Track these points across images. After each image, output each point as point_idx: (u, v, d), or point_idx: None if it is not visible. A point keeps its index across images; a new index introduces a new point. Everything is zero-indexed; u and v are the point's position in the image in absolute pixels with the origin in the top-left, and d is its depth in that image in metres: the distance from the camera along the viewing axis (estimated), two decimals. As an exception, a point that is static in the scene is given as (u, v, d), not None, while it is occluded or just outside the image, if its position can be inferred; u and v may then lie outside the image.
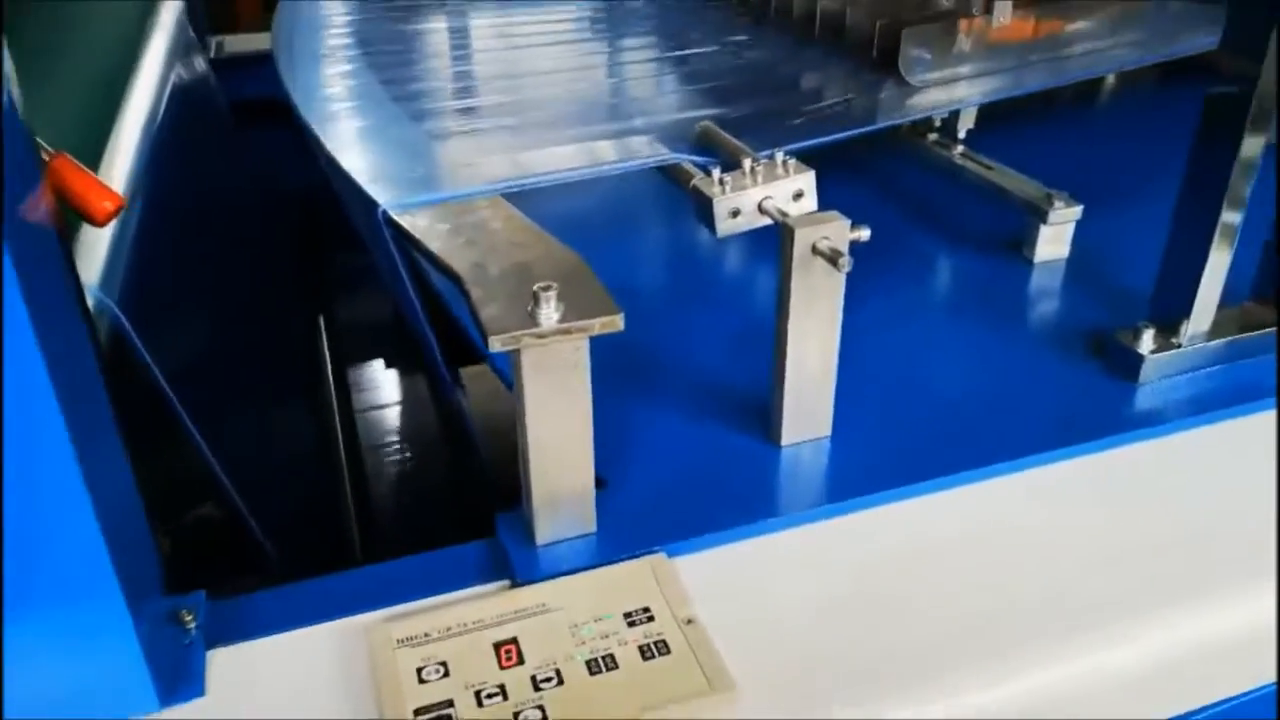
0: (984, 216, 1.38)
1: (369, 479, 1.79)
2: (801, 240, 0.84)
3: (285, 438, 1.59)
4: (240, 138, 2.13)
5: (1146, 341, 1.03)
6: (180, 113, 1.58)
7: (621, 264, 1.34)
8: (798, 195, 0.97)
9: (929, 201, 1.49)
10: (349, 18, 1.72)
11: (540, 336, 0.72)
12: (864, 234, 0.87)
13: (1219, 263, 1.01)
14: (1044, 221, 1.27)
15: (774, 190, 0.96)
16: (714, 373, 1.08)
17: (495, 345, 0.71)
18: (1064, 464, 0.95)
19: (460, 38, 1.71)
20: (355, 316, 2.29)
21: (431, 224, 0.92)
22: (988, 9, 1.33)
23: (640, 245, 1.38)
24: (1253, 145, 0.95)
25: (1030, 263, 1.30)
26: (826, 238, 0.85)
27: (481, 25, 1.82)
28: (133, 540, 0.67)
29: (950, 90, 1.35)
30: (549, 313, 0.73)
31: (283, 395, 1.69)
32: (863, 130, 1.23)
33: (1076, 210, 1.27)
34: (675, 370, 1.10)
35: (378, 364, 2.20)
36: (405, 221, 0.92)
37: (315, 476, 1.65)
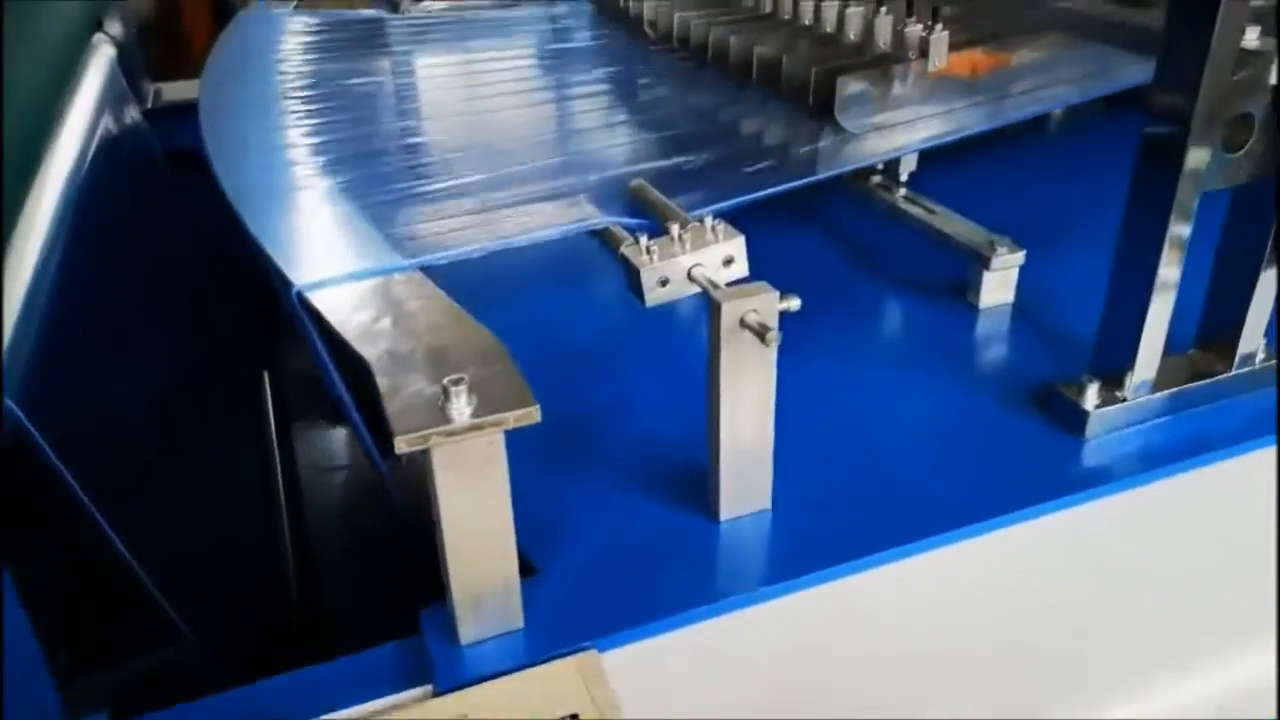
0: (928, 261, 1.36)
1: (312, 541, 1.73)
2: (728, 314, 0.81)
3: (222, 498, 1.53)
4: (179, 187, 2.08)
5: (1090, 396, 1.01)
6: (106, 166, 1.53)
7: (559, 318, 1.30)
8: (728, 261, 0.94)
9: (873, 245, 1.47)
10: (282, 62, 1.68)
11: (450, 434, 0.68)
12: (793, 304, 0.83)
13: (1160, 311, 0.99)
14: (987, 268, 1.25)
15: (703, 257, 0.93)
16: (654, 437, 1.05)
17: (401, 446, 0.67)
18: (1012, 529, 0.93)
19: (401, 81, 1.67)
20: (304, 370, 2.23)
21: (346, 303, 0.88)
22: (924, 52, 1.31)
23: (580, 297, 1.35)
24: (1189, 186, 0.93)
25: (975, 308, 1.28)
26: (754, 311, 0.81)
27: (425, 66, 1.79)
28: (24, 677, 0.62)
29: (890, 137, 1.33)
30: (460, 407, 0.69)
31: (220, 455, 1.64)
32: (802, 182, 1.20)
33: (1019, 256, 1.25)
34: (612, 435, 1.06)
35: (325, 420, 2.14)
36: (319, 300, 0.88)
37: (253, 540, 1.60)
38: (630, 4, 1.80)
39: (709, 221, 0.95)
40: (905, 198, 1.42)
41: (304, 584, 1.65)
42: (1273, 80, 0.89)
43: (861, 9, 1.44)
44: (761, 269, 1.42)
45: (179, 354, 1.63)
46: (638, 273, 0.91)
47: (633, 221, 1.05)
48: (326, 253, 0.96)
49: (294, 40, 1.82)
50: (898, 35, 1.35)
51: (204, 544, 1.33)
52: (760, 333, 0.80)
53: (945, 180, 1.45)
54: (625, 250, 0.93)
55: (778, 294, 0.82)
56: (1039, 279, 1.28)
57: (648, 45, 1.75)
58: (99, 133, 1.62)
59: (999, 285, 1.27)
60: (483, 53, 1.77)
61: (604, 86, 1.57)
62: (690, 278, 0.92)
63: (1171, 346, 1.03)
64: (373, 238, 0.99)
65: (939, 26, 1.30)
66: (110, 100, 1.85)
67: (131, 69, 2.23)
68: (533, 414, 0.71)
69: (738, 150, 1.29)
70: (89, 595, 1.04)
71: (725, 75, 1.52)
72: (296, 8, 2.23)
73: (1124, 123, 1.06)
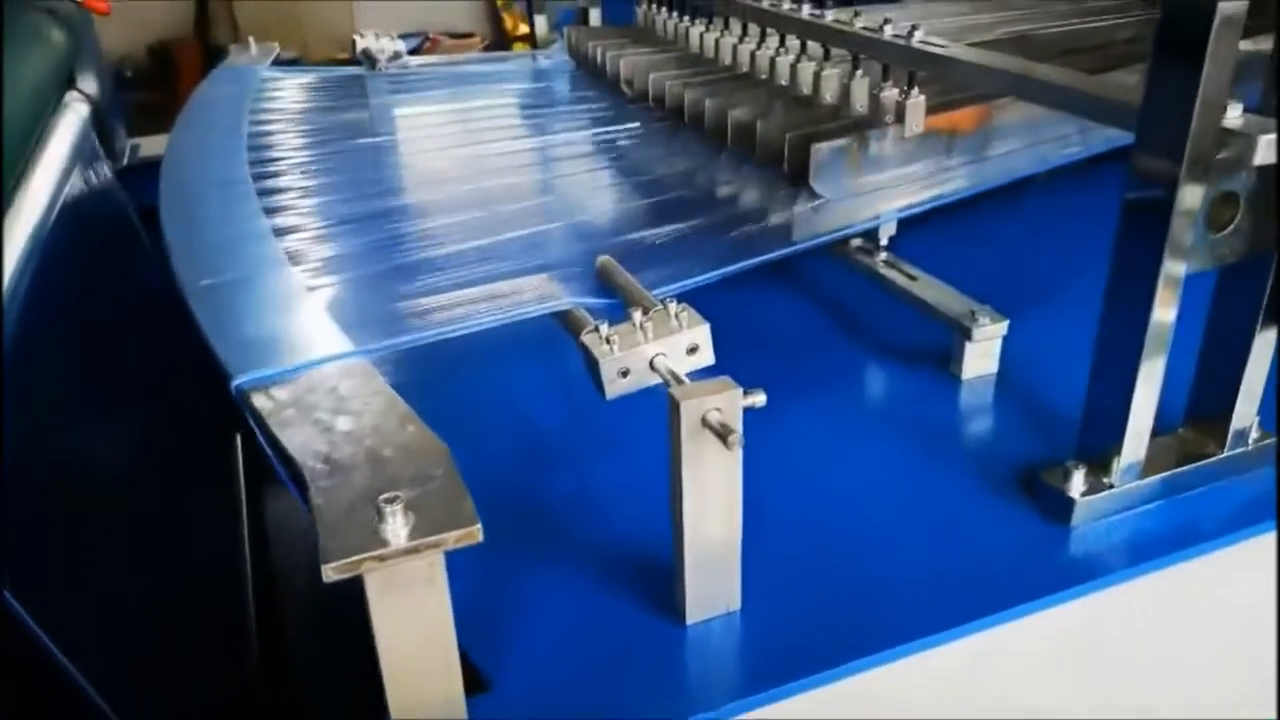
0: (909, 328, 1.32)
1: (280, 615, 1.67)
2: (689, 413, 0.76)
3: (183, 573, 1.48)
4: (153, 244, 2.04)
5: (1077, 483, 0.96)
6: (73, 226, 1.50)
7: (524, 391, 1.25)
8: (692, 349, 0.90)
9: (852, 310, 1.43)
10: (251, 122, 1.64)
11: (384, 559, 0.64)
12: (758, 399, 0.79)
13: (1147, 394, 0.95)
14: (969, 339, 1.21)
15: (666, 346, 0.88)
16: (620, 527, 1.00)
17: (330, 574, 0.62)
18: (999, 629, 0.87)
19: (371, 143, 1.63)
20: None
21: (288, 398, 0.83)
22: (900, 116, 1.28)
23: (548, 370, 1.30)
24: (1173, 268, 0.89)
25: (958, 379, 1.24)
26: (717, 409, 0.77)
27: (397, 128, 1.76)
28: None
29: (868, 203, 1.30)
30: (396, 528, 0.65)
31: (184, 526, 1.58)
32: (777, 255, 1.17)
33: (1002, 326, 1.21)
34: (575, 525, 1.01)
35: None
36: (260, 397, 0.83)
37: (215, 616, 1.54)
38: (607, 62, 1.77)
39: (673, 307, 0.90)
40: (885, 262, 1.38)
41: (268, 660, 1.59)
42: (1257, 159, 0.85)
43: (838, 71, 1.41)
44: (737, 333, 1.39)
45: (143, 418, 1.58)
46: (597, 363, 0.87)
47: (598, 302, 1.01)
48: (272, 341, 0.91)
49: (267, 98, 1.79)
50: (874, 99, 1.32)
51: (159, 629, 1.27)
52: (722, 434, 0.75)
53: (925, 237, 1.42)
54: (585, 338, 0.89)
55: (741, 390, 0.78)
56: (1023, 343, 1.24)
57: (624, 103, 1.72)
58: (66, 192, 1.59)
59: (981, 355, 1.23)
60: (457, 113, 1.74)
61: (578, 150, 1.54)
62: (653, 367, 0.88)
63: (1160, 422, 0.99)
64: (324, 324, 0.94)
65: (915, 90, 1.26)
66: (81, 158, 1.82)
67: (107, 126, 2.20)
68: (474, 534, 0.66)
69: (712, 220, 1.26)
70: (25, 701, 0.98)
71: (702, 136, 1.48)
72: (274, 64, 2.22)
73: (1106, 176, 1.03)
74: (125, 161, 2.21)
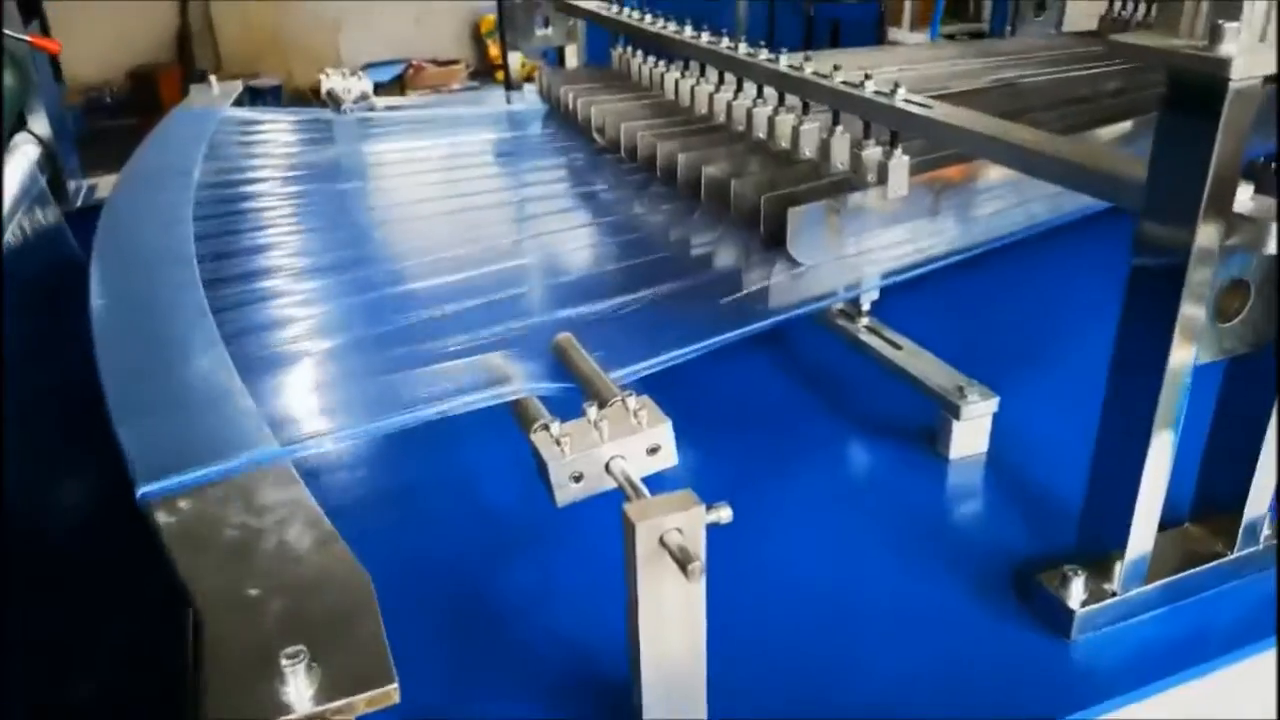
0: (893, 400, 1.24)
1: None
2: (646, 535, 0.68)
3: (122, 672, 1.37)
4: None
5: (1076, 591, 0.88)
6: (15, 270, 1.42)
7: (483, 471, 1.16)
8: (653, 450, 0.81)
9: (834, 379, 1.35)
10: (203, 168, 1.55)
11: (282, 729, 0.55)
12: (724, 515, 0.71)
13: (1153, 493, 0.87)
14: (956, 418, 1.13)
15: (625, 446, 0.80)
16: (576, 634, 0.91)
17: (215, 751, 0.53)
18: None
19: (325, 192, 1.55)
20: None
21: (194, 511, 0.74)
22: (883, 177, 1.20)
23: (500, 447, 1.20)
24: (1180, 360, 0.81)
25: (945, 459, 1.16)
26: (677, 530, 0.68)
27: (355, 176, 1.67)
28: None
29: (849, 269, 1.22)
30: (299, 689, 0.56)
31: (130, 611, 1.48)
32: (751, 330, 1.09)
33: (992, 404, 1.14)
34: (528, 630, 0.92)
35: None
36: (164, 509, 0.74)
37: None
38: (578, 108, 1.70)
39: (632, 402, 0.82)
40: (867, 328, 1.30)
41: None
42: (1269, 247, 0.78)
43: (817, 125, 1.34)
44: (710, 401, 1.33)
45: (86, 476, 1.49)
46: (547, 467, 0.78)
47: (552, 388, 0.93)
48: (188, 439, 0.82)
49: (220, 146, 1.70)
50: (855, 157, 1.25)
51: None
52: (682, 561, 0.67)
53: (909, 296, 1.33)
54: (535, 437, 0.81)
55: (703, 508, 0.70)
56: (1015, 415, 1.16)
57: (596, 152, 1.64)
58: (8, 240, 1.50)
59: (971, 434, 1.15)
60: (419, 164, 1.66)
61: (545, 206, 1.46)
62: (609, 471, 0.79)
63: (1164, 514, 0.90)
64: (251, 417, 0.85)
65: (898, 150, 1.19)
66: (26, 201, 1.74)
67: (59, 166, 2.12)
68: (390, 694, 0.57)
69: (684, 287, 1.18)
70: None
71: (675, 191, 1.41)
72: (248, 99, 2.14)
73: (1102, 228, 0.96)
74: (79, 203, 2.12)
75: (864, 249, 1.23)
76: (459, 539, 1.05)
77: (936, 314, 1.35)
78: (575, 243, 1.32)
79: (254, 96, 6.20)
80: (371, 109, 2.01)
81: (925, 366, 1.20)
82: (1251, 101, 0.72)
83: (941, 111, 1.10)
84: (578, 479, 0.79)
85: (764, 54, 1.43)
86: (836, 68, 1.27)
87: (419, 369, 0.95)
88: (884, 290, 1.32)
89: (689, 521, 0.69)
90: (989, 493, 1.12)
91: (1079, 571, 0.88)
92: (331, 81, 2.07)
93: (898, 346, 1.25)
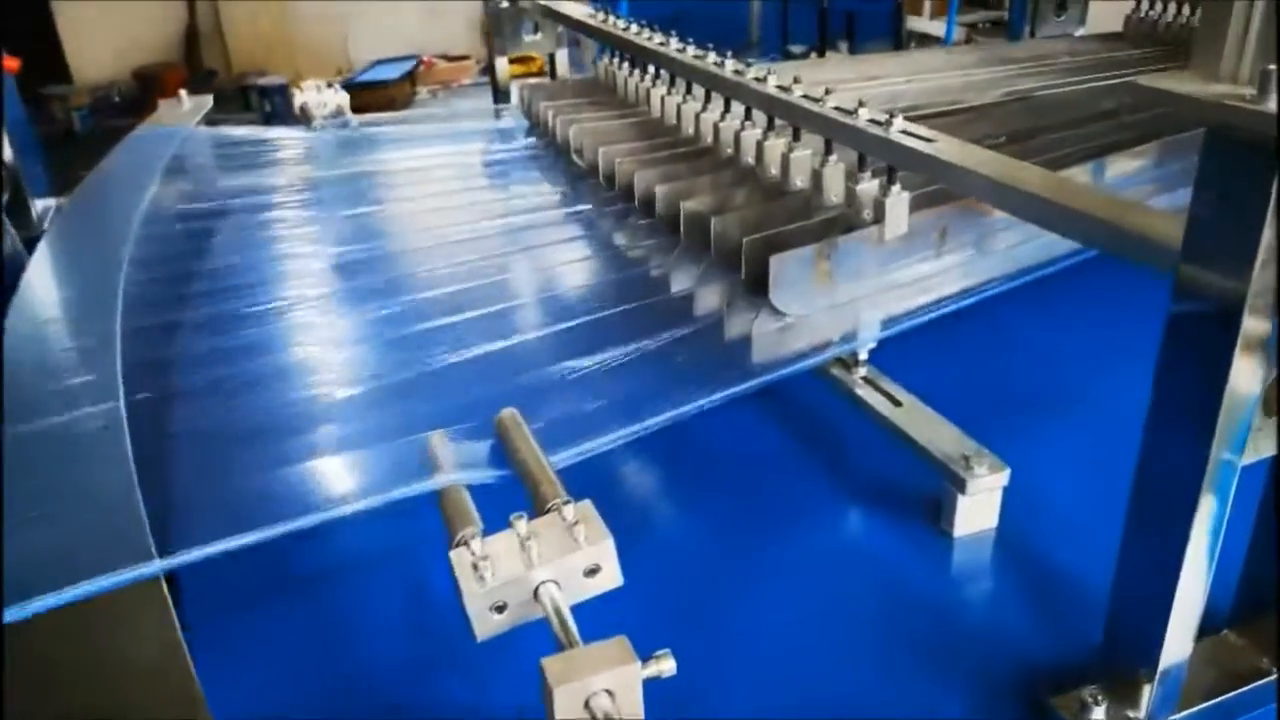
0: (894, 460, 1.11)
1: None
2: (567, 701, 0.56)
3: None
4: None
5: (1096, 721, 0.75)
6: None
7: (404, 558, 1.03)
8: (591, 571, 0.69)
9: (828, 434, 1.22)
10: (152, 196, 1.44)
11: None
12: (665, 666, 0.59)
13: (1190, 603, 0.74)
14: (962, 491, 1.00)
15: (558, 569, 0.68)
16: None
17: None
18: None
19: (275, 227, 1.43)
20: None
21: (43, 635, 0.63)
22: (879, 215, 1.07)
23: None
24: (1223, 459, 0.68)
25: (949, 536, 1.03)
26: (607, 691, 0.56)
27: (320, 199, 1.56)
28: None
29: (843, 320, 1.09)
30: None
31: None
32: (726, 395, 0.96)
33: (1001, 476, 1.00)
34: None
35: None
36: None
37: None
38: (557, 126, 1.58)
39: (571, 512, 0.70)
40: (865, 379, 1.17)
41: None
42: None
43: (809, 151, 1.21)
44: (693, 459, 1.20)
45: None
46: (463, 595, 0.66)
47: (487, 478, 0.81)
48: (55, 552, 0.71)
49: (175, 171, 1.59)
50: (850, 191, 1.12)
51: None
52: (609, 735, 0.55)
53: (914, 334, 1.20)
54: (454, 555, 0.69)
55: (638, 664, 0.58)
56: (1031, 481, 1.03)
57: (576, 176, 1.52)
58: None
59: (978, 510, 1.02)
60: (384, 192, 1.54)
61: (514, 242, 1.34)
62: (537, 598, 0.67)
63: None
64: (133, 522, 0.73)
65: (897, 186, 1.06)
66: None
67: (21, 191, 2.02)
68: None
69: (656, 342, 1.05)
70: None
71: (655, 222, 1.28)
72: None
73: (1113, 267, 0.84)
74: (45, 227, 2.02)
75: (860, 295, 1.10)
76: (381, 646, 0.92)
77: (943, 356, 1.22)
78: (541, 290, 1.19)
79: (260, 95, 6.14)
80: (345, 125, 1.90)
81: (928, 428, 1.07)
82: (1310, 163, 0.59)
83: (944, 148, 0.97)
84: (500, 609, 0.67)
85: (752, 72, 1.30)
86: (828, 91, 1.14)
87: (331, 455, 0.84)
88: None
89: (622, 682, 0.57)
90: (998, 578, 0.99)
91: (1100, 698, 0.76)
92: (306, 95, 1.95)
93: (897, 403, 1.12)
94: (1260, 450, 0.71)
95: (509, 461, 0.82)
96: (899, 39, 4.66)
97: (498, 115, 2.07)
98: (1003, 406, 1.15)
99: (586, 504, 0.72)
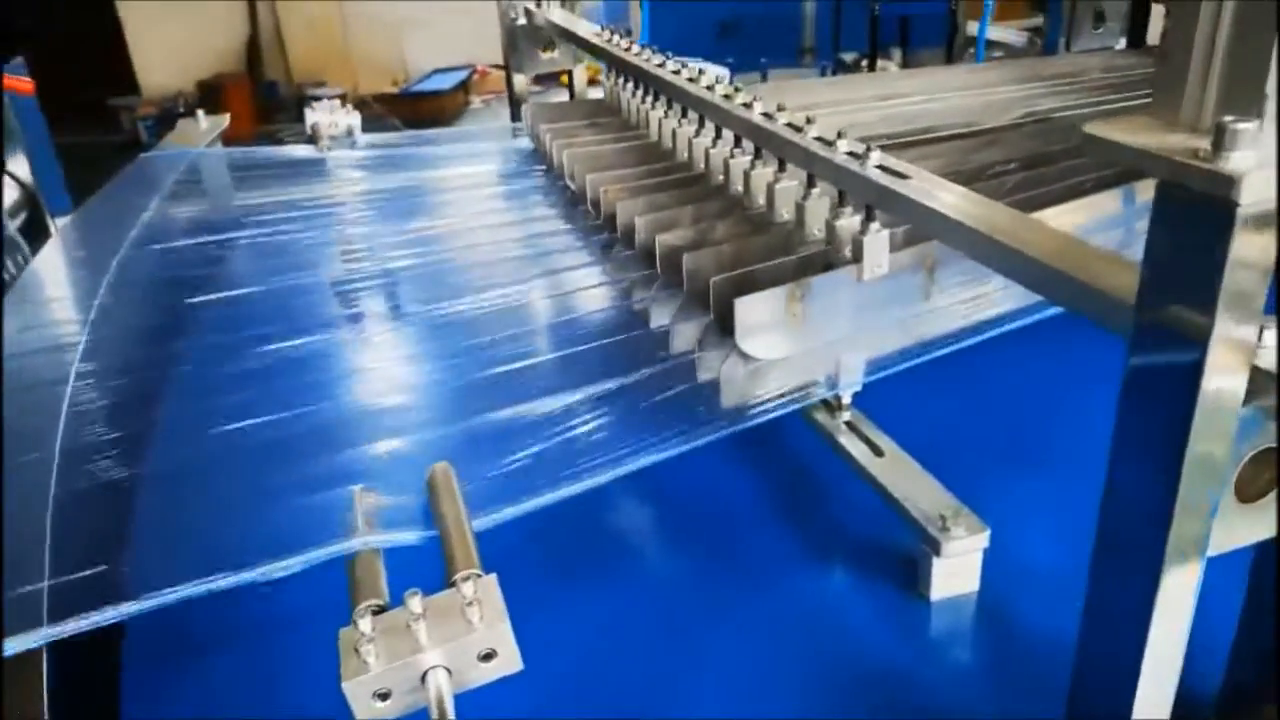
0: (873, 513, 1.04)
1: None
2: (419, 813, 0.51)
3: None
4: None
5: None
6: None
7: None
8: (487, 656, 0.64)
9: (805, 481, 1.16)
10: (138, 234, 1.44)
11: None
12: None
13: (1158, 693, 0.66)
14: (937, 554, 0.93)
15: (450, 654, 0.63)
16: None
17: None
18: None
19: (245, 266, 1.39)
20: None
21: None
22: (858, 254, 1.01)
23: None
24: (1196, 516, 0.60)
25: (926, 601, 0.96)
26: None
27: (314, 225, 1.53)
28: None
29: (819, 364, 1.03)
30: None
31: None
32: (689, 446, 0.91)
33: (981, 538, 0.93)
34: None
35: None
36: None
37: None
38: (553, 150, 1.54)
39: (469, 589, 0.65)
40: (848, 425, 1.11)
41: None
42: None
43: (795, 183, 1.15)
44: (659, 505, 1.16)
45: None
46: (341, 683, 0.62)
47: (411, 540, 0.77)
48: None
49: (173, 203, 1.58)
50: (830, 226, 1.05)
51: None
52: None
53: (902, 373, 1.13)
54: (342, 634, 0.65)
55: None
56: (1017, 538, 0.96)
57: (571, 201, 1.48)
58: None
59: (956, 573, 0.95)
60: (377, 219, 1.51)
61: (494, 273, 1.29)
62: (424, 683, 0.63)
63: (1184, 710, 0.70)
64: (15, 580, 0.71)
65: (875, 224, 0.99)
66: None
67: (38, 209, 2.05)
68: None
69: (622, 385, 1.01)
70: None
71: (634, 260, 1.23)
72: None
73: None
74: (64, 246, 2.05)
75: (839, 337, 1.03)
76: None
77: (936, 395, 1.15)
78: (511, 327, 1.14)
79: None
80: (354, 145, 1.88)
81: (907, 483, 1.00)
82: (1269, 226, 0.52)
83: (917, 186, 0.90)
84: (384, 697, 0.63)
85: (741, 96, 1.23)
86: (809, 121, 1.08)
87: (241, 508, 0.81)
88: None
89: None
90: (975, 647, 0.92)
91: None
92: (317, 116, 1.94)
93: (879, 451, 1.06)
94: (1234, 539, 0.63)
95: (433, 512, 0.78)
96: (950, 46, 4.53)
97: (514, 134, 2.03)
98: (997, 454, 1.08)
99: (490, 580, 0.67)
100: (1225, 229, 0.50)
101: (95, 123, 5.97)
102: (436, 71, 6.65)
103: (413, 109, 6.15)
